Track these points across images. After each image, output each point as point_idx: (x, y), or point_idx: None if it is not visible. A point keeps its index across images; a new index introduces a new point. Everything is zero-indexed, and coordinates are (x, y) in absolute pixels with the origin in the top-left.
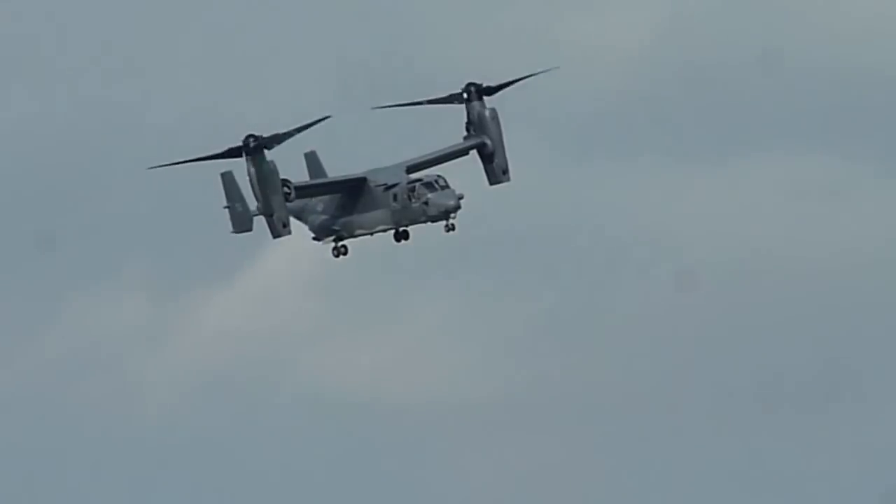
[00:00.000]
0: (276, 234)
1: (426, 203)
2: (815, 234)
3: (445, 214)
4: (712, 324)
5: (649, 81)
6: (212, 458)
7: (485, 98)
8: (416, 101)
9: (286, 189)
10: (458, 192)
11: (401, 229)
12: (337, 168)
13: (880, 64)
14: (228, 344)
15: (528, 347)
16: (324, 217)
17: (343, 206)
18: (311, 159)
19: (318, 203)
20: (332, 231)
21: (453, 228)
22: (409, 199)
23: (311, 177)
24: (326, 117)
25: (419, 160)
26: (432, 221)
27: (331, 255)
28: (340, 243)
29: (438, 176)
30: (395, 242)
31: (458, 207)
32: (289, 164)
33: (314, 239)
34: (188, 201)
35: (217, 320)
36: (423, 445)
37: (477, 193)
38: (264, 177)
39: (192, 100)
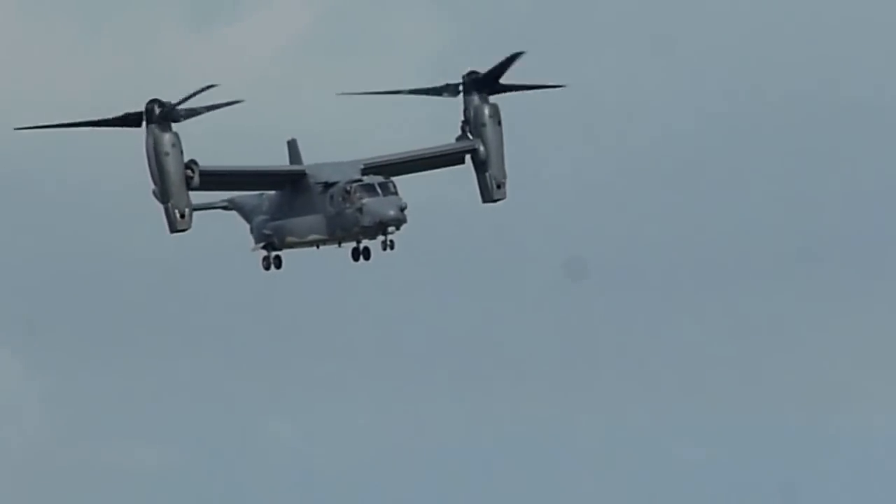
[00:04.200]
0: (172, 228)
1: (360, 210)
2: None
3: (382, 227)
4: None
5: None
6: None
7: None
8: (397, 89)
9: (189, 172)
10: (403, 201)
11: (361, 246)
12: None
13: None
14: None
15: None
16: (262, 218)
17: (282, 206)
18: (292, 148)
19: (266, 201)
20: (265, 236)
21: (391, 246)
22: (344, 203)
23: None
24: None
25: (386, 160)
26: (369, 236)
27: (261, 265)
28: (273, 253)
29: (387, 179)
30: (353, 261)
31: (399, 220)
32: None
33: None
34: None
35: None
36: None
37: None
38: (164, 154)
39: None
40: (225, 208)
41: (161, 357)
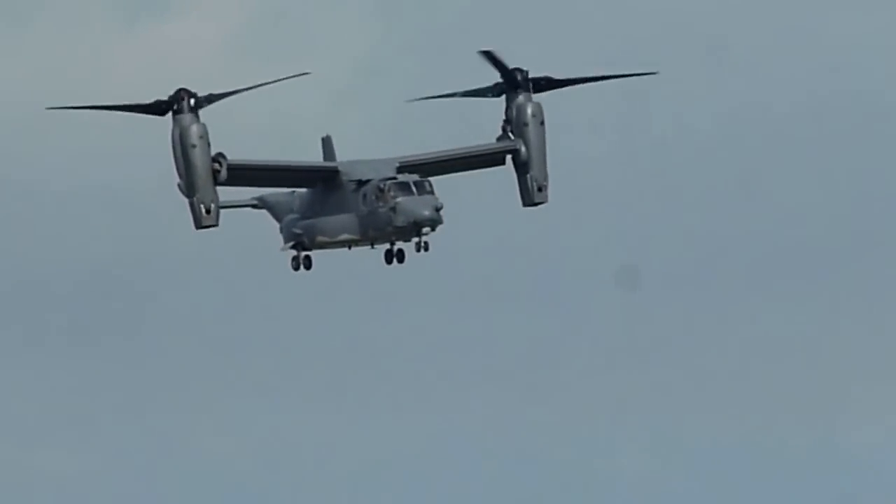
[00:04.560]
0: (197, 224)
1: (394, 209)
2: None
3: (416, 227)
4: None
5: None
6: None
7: (534, 93)
8: (449, 92)
9: (216, 165)
10: (439, 201)
11: (395, 248)
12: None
13: None
14: None
15: None
16: (292, 216)
17: (313, 204)
18: (326, 145)
19: (297, 199)
20: (294, 235)
21: (426, 248)
22: (378, 202)
23: None
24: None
25: (422, 158)
26: (403, 237)
27: (290, 265)
28: (303, 253)
29: (424, 179)
30: (386, 264)
31: (434, 220)
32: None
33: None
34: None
35: None
36: None
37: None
38: (191, 146)
39: None
40: (254, 206)
41: (183, 359)
